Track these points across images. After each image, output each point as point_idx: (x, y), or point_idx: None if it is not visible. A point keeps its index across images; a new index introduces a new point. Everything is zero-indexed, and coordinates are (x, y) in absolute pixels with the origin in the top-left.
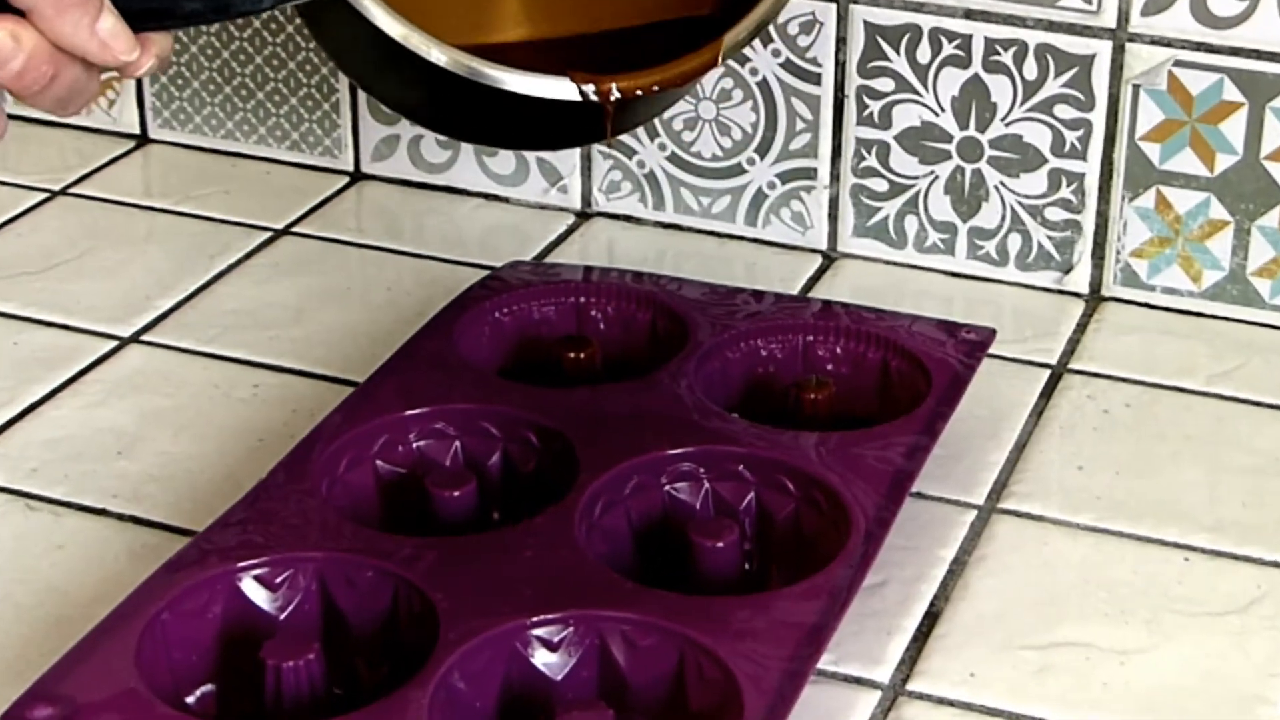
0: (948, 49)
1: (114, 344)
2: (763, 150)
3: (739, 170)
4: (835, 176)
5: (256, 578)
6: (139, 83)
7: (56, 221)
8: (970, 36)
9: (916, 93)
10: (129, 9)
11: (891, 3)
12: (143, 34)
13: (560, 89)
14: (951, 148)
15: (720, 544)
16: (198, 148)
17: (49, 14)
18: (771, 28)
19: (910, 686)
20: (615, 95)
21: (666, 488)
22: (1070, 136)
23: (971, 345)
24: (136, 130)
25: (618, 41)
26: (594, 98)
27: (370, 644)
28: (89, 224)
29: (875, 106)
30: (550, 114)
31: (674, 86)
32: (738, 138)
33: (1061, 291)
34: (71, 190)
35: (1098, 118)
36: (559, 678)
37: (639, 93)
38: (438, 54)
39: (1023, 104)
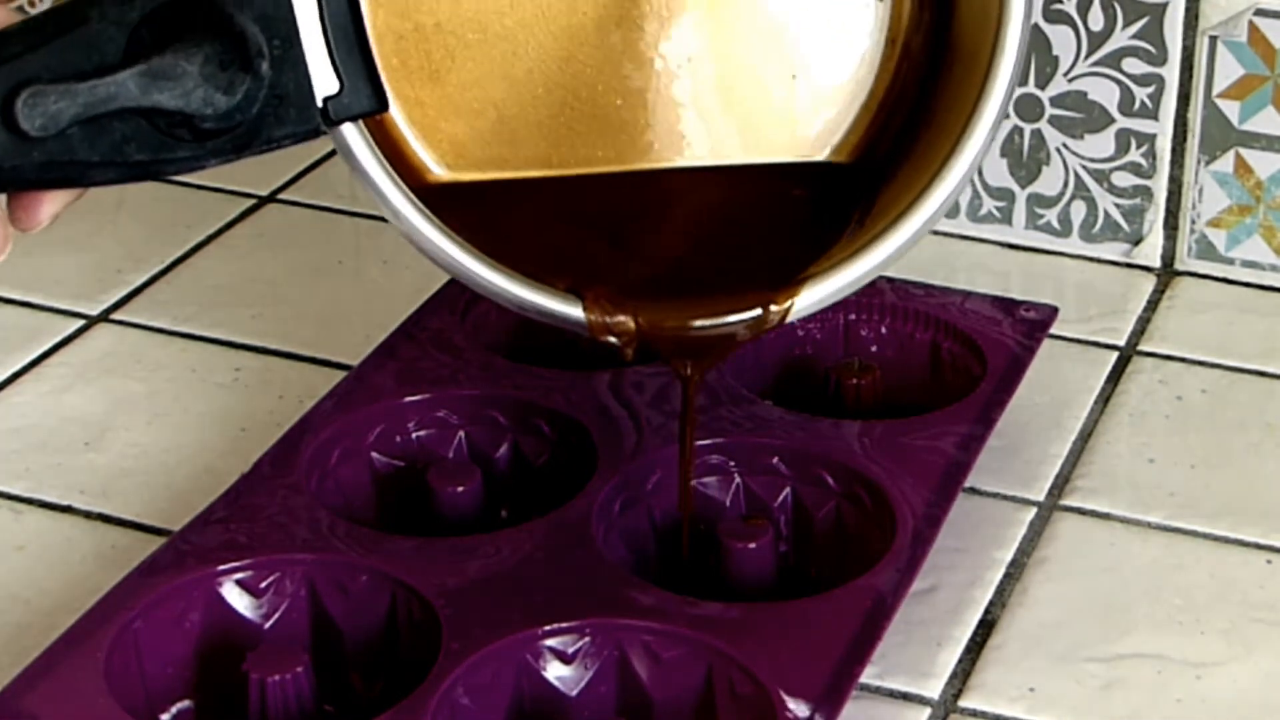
0: None
1: (81, 323)
2: None
3: None
4: None
5: (239, 582)
6: None
7: None
8: None
9: None
10: (17, 178)
11: None
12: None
13: (571, 313)
14: (1009, 106)
15: (753, 545)
16: None
17: None
18: None
19: (963, 703)
20: (632, 343)
21: (693, 483)
22: (1140, 94)
23: (1031, 325)
24: None
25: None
26: (610, 339)
27: (365, 656)
28: None
29: None
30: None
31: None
32: None
33: (1130, 265)
34: None
35: (1170, 73)
36: (574, 693)
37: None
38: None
39: (1087, 57)
